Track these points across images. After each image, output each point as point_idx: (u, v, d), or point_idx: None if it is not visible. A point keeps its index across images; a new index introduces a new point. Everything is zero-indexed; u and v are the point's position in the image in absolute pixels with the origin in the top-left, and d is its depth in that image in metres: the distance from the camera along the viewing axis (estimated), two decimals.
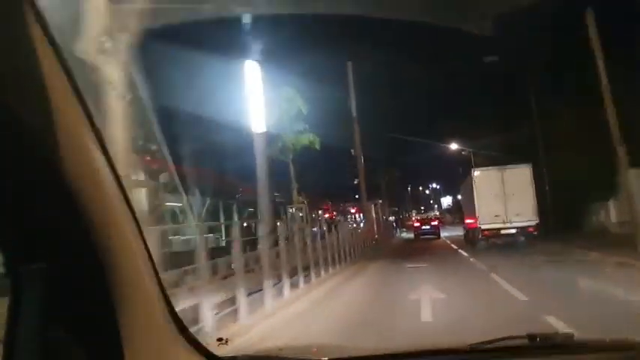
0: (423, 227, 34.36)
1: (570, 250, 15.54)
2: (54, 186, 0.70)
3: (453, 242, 27.94)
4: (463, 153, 50.24)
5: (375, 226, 26.36)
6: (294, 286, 9.74)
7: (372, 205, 27.38)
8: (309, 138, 16.09)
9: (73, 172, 0.70)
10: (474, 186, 19.73)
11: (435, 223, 36.10)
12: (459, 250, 20.23)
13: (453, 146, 48.44)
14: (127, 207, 0.84)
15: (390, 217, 47.61)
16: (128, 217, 0.83)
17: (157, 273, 0.92)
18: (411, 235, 37.45)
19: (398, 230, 45.26)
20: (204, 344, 1.11)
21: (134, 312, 0.82)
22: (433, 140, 50.90)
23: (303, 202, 25.38)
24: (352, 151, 24.87)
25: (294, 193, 16.67)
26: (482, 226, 19.34)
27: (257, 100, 9.44)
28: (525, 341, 1.34)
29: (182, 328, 1.01)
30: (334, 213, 38.35)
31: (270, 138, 12.57)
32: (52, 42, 0.66)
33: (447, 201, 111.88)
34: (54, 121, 0.66)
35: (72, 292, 0.76)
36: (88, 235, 0.74)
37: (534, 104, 22.41)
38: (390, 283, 11.55)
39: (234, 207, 17.05)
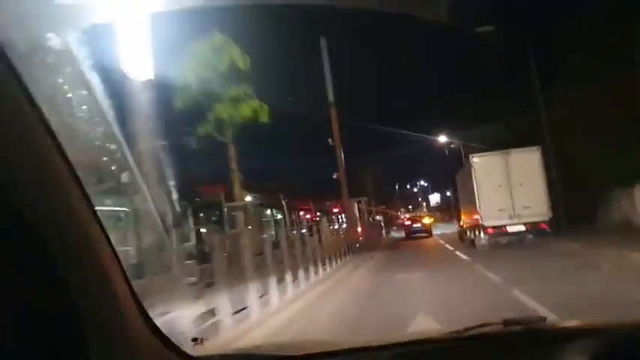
0: (414, 226, 33.15)
1: (599, 249, 12.29)
2: (7, 188, 0.69)
3: (447, 242, 24.89)
4: (452, 146, 47.57)
5: (359, 227, 23.14)
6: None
7: (356, 203, 24.11)
8: (252, 105, 11.87)
9: (28, 174, 0.70)
10: (473, 175, 16.50)
11: (426, 221, 34.73)
12: (457, 253, 17.03)
13: (442, 139, 45.51)
14: (90, 209, 0.84)
15: (377, 217, 44.52)
16: (91, 218, 0.83)
17: (125, 274, 0.90)
18: (402, 234, 35.55)
19: (386, 230, 42.10)
20: (178, 344, 1.10)
21: (104, 314, 0.81)
22: (420, 133, 47.75)
23: (282, 201, 22.19)
24: (330, 140, 21.47)
25: (236, 186, 12.90)
26: (485, 223, 16.09)
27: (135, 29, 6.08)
28: (501, 327, 1.38)
29: (155, 329, 1.00)
30: (317, 213, 34.96)
31: (197, 108, 9.15)
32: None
33: (435, 198, 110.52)
34: (6, 124, 0.68)
35: (37, 296, 0.73)
36: (50, 239, 0.73)
37: (536, 78, 19.10)
38: (372, 310, 8.16)
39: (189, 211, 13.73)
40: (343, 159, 21.21)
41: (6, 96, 0.68)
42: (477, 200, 16.16)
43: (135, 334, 0.90)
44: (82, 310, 0.76)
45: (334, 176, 21.20)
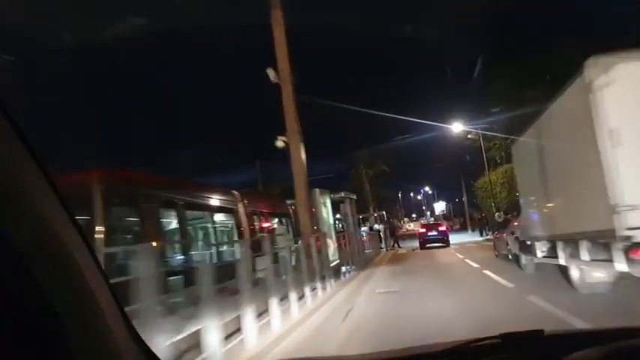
0: (430, 234, 29.56)
1: None
2: None
3: (475, 261, 15.59)
4: (470, 137, 38.11)
5: (332, 242, 13.63)
6: None
7: (321, 196, 14.32)
8: None
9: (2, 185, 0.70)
10: (600, 108, 6.60)
11: (443, 228, 30.94)
12: (532, 298, 7.72)
13: (454, 128, 35.99)
14: (69, 218, 0.83)
15: (376, 225, 34.97)
16: (70, 227, 0.82)
17: (107, 281, 0.90)
18: (406, 250, 26.72)
19: (387, 243, 32.42)
20: (157, 355, 1.09)
21: (89, 327, 0.81)
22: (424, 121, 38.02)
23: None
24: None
25: None
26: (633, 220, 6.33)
27: None
28: (498, 340, 1.39)
29: (136, 339, 1.00)
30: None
31: None
32: None
33: (440, 207, 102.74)
34: None
35: (19, 309, 0.73)
36: (31, 253, 0.72)
37: None
38: None
39: None
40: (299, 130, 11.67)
41: None
42: (608, 166, 6.37)
43: (118, 344, 0.88)
44: (67, 322, 0.75)
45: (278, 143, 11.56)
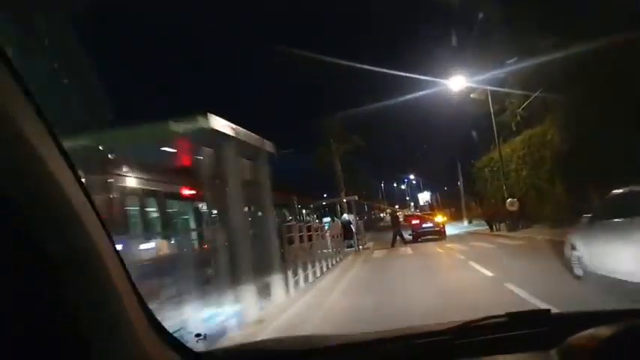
0: (424, 225, 25.29)
1: None
2: (15, 193, 0.69)
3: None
4: (473, 96, 28.77)
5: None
6: None
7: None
8: None
9: (33, 179, 0.70)
10: None
11: (440, 219, 26.18)
12: None
13: (455, 84, 26.87)
14: (93, 210, 0.84)
15: (346, 216, 25.61)
16: (94, 219, 0.82)
17: (128, 273, 0.91)
18: (382, 254, 18.28)
19: (357, 240, 23.05)
20: (181, 340, 1.11)
21: (107, 314, 0.82)
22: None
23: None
24: None
25: None
26: None
27: None
28: (504, 319, 1.39)
29: (157, 326, 1.01)
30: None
31: None
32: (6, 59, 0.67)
33: (424, 197, 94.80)
34: (11, 130, 0.66)
35: (40, 298, 0.74)
36: (53, 242, 0.73)
37: None
38: None
39: None
40: None
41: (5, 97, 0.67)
42: None
43: (139, 332, 0.90)
44: (86, 310, 0.76)
45: None
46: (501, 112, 26.39)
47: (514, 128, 26.18)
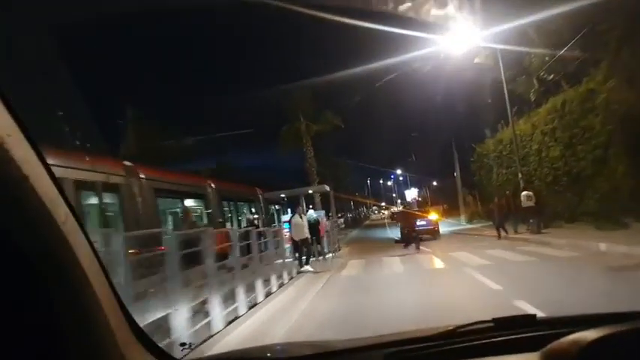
0: (418, 224, 19.50)
1: None
2: None
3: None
4: (476, 62, 22.85)
5: None
6: None
7: None
8: None
9: (5, 178, 0.68)
10: None
11: (434, 217, 22.77)
12: None
13: (456, 43, 21.16)
14: (69, 208, 0.81)
15: (313, 213, 19.43)
16: (73, 224, 0.80)
17: (108, 277, 0.88)
18: (358, 269, 11.36)
19: (325, 247, 16.91)
20: (165, 349, 1.09)
21: (89, 321, 0.79)
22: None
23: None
24: None
25: None
26: None
27: None
28: (491, 324, 1.40)
29: (140, 334, 0.99)
30: None
31: None
32: None
33: (411, 194, 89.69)
34: None
35: (19, 305, 0.72)
36: (32, 247, 0.71)
37: None
38: None
39: None
40: None
41: None
42: None
43: (121, 341, 0.87)
44: (67, 317, 0.74)
45: None
46: (514, 79, 20.38)
47: (532, 98, 20.18)
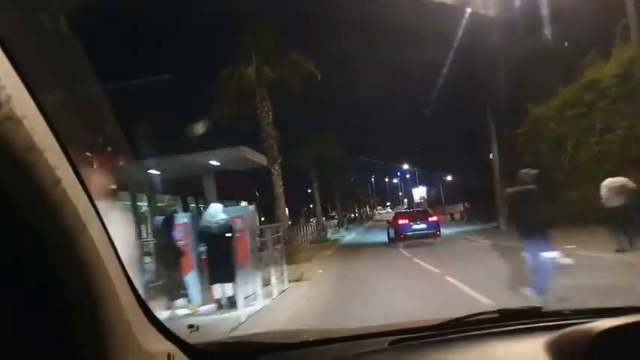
0: (415, 227, 19.56)
1: None
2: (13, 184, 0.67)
3: None
4: None
5: None
6: None
7: None
8: None
9: (23, 168, 0.66)
10: None
11: (434, 218, 20.38)
12: None
13: None
14: (90, 203, 0.81)
15: (214, 210, 9.16)
16: (89, 210, 0.80)
17: (120, 260, 0.88)
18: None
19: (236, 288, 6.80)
20: (174, 332, 1.07)
21: (101, 306, 0.79)
22: None
23: None
24: None
25: None
26: None
27: None
28: (495, 315, 1.41)
29: (149, 316, 0.99)
30: None
31: None
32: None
33: (420, 192, 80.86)
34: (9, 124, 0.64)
35: (33, 290, 0.73)
36: (46, 234, 0.71)
37: None
38: None
39: None
40: None
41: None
42: None
43: (134, 324, 0.89)
44: (80, 302, 0.75)
45: None
46: None
47: None
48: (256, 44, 16.14)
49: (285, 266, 9.26)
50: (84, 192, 0.79)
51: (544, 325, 1.32)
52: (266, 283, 8.27)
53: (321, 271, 12.95)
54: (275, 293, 8.31)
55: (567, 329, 1.17)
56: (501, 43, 18.41)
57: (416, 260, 13.21)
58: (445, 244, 20.16)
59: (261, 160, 12.89)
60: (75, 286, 0.75)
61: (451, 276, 9.09)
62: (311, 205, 32.31)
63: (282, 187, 17.49)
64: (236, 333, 5.57)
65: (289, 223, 17.47)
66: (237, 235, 7.94)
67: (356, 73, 45.51)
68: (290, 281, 9.50)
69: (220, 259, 7.55)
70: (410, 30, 20.49)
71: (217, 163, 12.24)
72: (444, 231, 26.82)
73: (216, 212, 7.89)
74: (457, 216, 39.48)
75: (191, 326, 1.90)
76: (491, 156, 21.91)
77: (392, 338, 1.35)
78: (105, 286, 0.80)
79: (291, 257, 15.24)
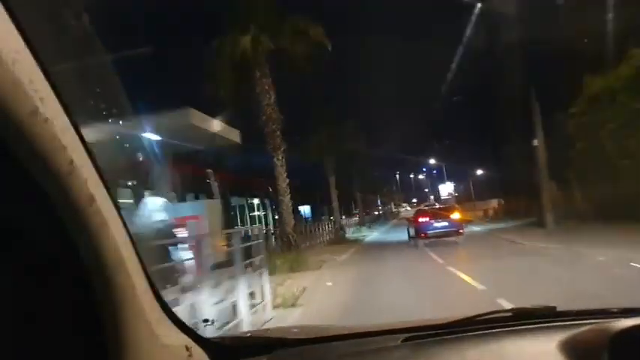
0: (436, 225, 18.40)
1: None
2: (25, 180, 0.67)
3: None
4: None
5: None
6: None
7: None
8: None
9: (43, 159, 0.66)
10: None
11: (456, 216, 18.84)
12: None
13: None
14: (104, 186, 0.80)
15: (151, 203, 6.33)
16: (103, 193, 0.79)
17: (138, 253, 0.88)
18: None
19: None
20: (190, 325, 1.08)
21: (119, 299, 0.80)
22: None
23: None
24: None
25: None
26: None
27: None
28: (509, 314, 1.42)
29: (167, 310, 1.00)
30: None
31: None
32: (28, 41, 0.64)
33: (447, 189, 77.50)
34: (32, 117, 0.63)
35: (52, 283, 0.75)
36: (66, 227, 0.71)
37: None
38: None
39: None
40: None
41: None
42: None
43: (152, 318, 0.90)
44: (98, 296, 0.76)
45: None
46: None
47: None
48: (253, 7, 13.38)
49: (267, 287, 6.47)
50: (102, 183, 0.78)
51: (559, 325, 1.32)
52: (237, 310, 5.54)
53: (330, 283, 10.19)
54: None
55: (582, 329, 1.18)
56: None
57: (451, 270, 10.31)
58: (482, 244, 17.19)
59: (231, 134, 9.98)
60: (99, 282, 0.75)
61: (505, 298, 6.25)
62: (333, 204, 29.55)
63: (287, 181, 14.74)
64: None
65: (293, 222, 14.68)
66: (184, 244, 5.24)
67: (377, 54, 42.22)
68: (276, 307, 6.72)
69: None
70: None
71: (153, 136, 8.63)
72: (477, 229, 23.95)
73: (152, 210, 5.20)
74: (491, 212, 36.11)
75: (206, 320, 2.06)
76: (535, 142, 18.64)
77: (405, 335, 1.37)
78: (118, 277, 0.80)
79: (297, 264, 12.54)
